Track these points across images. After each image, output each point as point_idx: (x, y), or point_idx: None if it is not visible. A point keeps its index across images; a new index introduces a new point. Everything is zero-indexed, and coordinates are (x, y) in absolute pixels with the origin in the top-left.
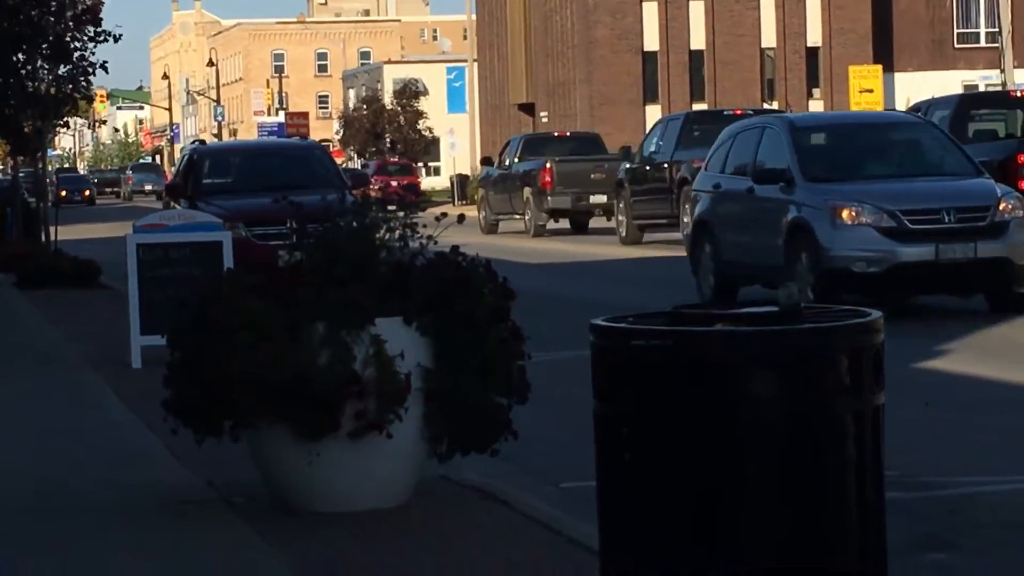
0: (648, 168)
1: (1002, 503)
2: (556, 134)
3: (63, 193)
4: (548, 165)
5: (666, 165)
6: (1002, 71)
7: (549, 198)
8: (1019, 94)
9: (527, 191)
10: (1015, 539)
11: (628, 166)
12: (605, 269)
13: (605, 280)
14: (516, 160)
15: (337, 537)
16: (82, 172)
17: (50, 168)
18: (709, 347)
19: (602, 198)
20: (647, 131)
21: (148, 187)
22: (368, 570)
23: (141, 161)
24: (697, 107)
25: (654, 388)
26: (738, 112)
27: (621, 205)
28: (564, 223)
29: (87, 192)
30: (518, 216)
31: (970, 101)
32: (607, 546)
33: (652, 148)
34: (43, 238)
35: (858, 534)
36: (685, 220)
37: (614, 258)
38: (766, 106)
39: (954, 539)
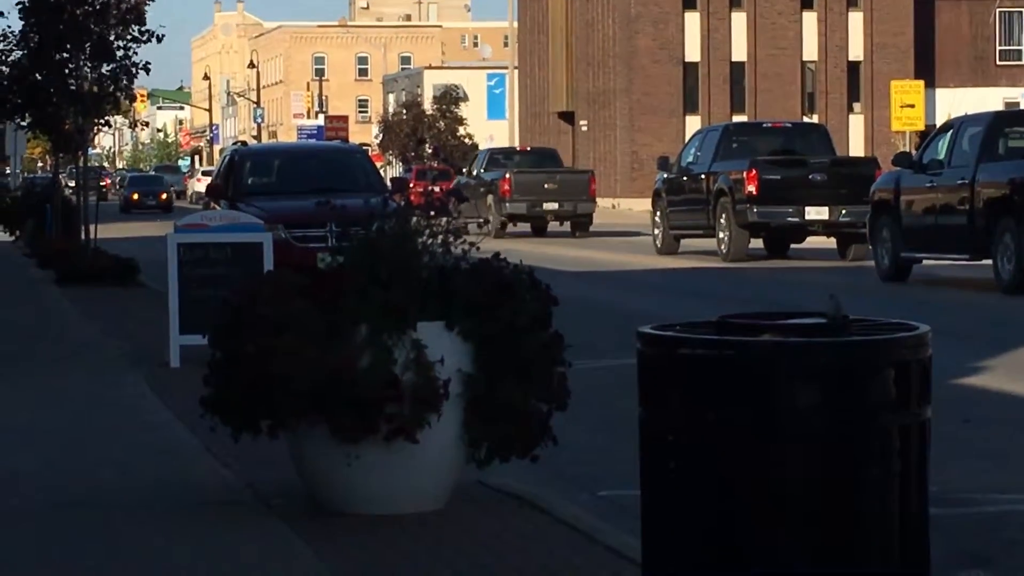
0: (685, 179)
1: None
2: (519, 148)
3: (135, 197)
4: (507, 175)
5: (703, 176)
6: None
7: (507, 204)
8: (771, 124)
9: (490, 198)
10: None
11: (665, 176)
12: (640, 278)
13: (645, 288)
14: (483, 170)
15: (375, 539)
16: (151, 172)
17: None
18: (755, 357)
19: (554, 205)
20: (685, 142)
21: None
22: (405, 573)
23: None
24: (737, 119)
25: (700, 396)
26: (777, 124)
27: (657, 215)
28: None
29: (163, 196)
30: (482, 220)
31: (1003, 119)
32: (650, 556)
33: (690, 159)
34: (83, 236)
35: (901, 549)
36: (721, 234)
37: (648, 268)
38: (806, 119)
39: (992, 556)
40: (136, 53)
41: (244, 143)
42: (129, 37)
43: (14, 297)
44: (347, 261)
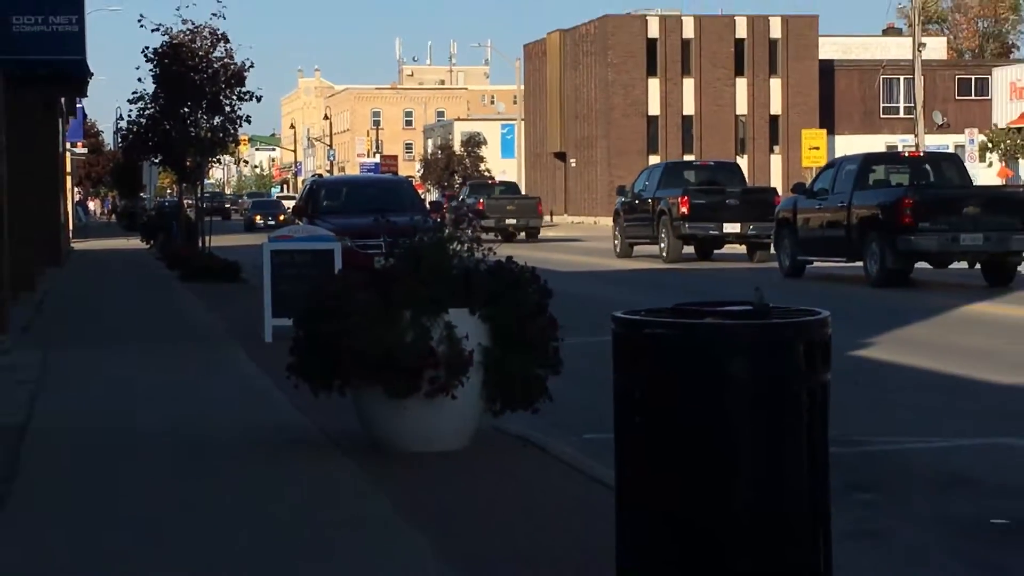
0: (637, 202)
1: (915, 458)
2: (489, 182)
3: (257, 219)
4: (480, 200)
5: (650, 200)
6: (916, 136)
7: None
8: (907, 153)
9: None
10: (922, 483)
11: (623, 200)
12: (610, 276)
13: (611, 282)
14: (466, 196)
15: (417, 470)
16: (273, 196)
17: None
18: (701, 335)
19: (512, 220)
20: (637, 175)
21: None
22: (440, 494)
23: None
24: (687, 158)
25: (660, 364)
26: (704, 163)
27: (617, 229)
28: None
29: (282, 217)
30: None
31: (871, 159)
32: (622, 484)
33: (641, 187)
34: (200, 244)
35: (810, 477)
36: (662, 243)
37: (613, 268)
38: (737, 158)
39: (877, 482)
40: (240, 108)
41: (320, 175)
42: (234, 96)
43: (150, 288)
44: (396, 263)
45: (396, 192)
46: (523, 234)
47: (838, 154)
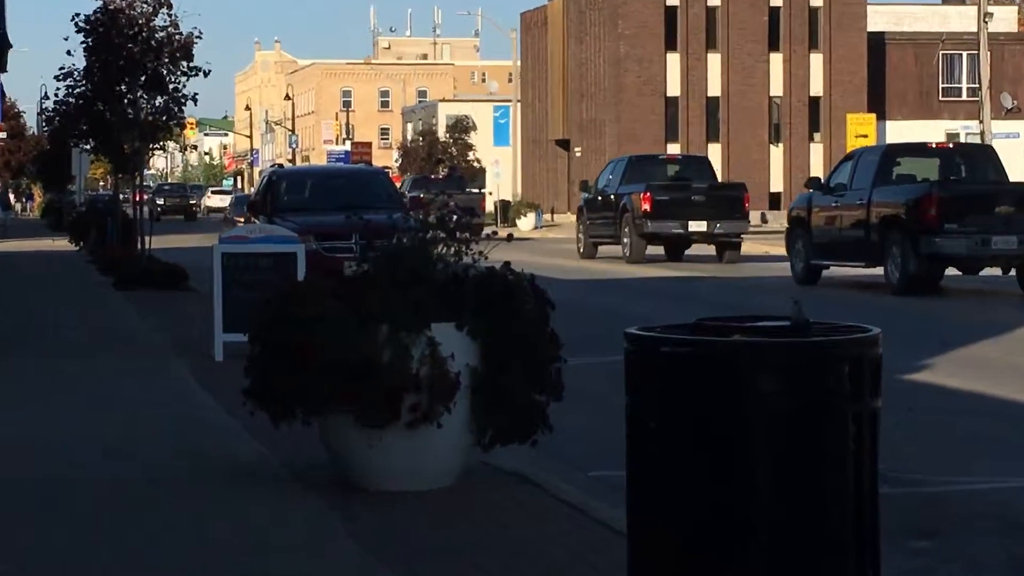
0: (600, 199)
1: (979, 499)
2: (432, 176)
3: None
4: (422, 195)
5: (613, 197)
6: (980, 122)
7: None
8: (934, 144)
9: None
10: (985, 529)
11: (586, 196)
12: (574, 281)
13: (572, 288)
14: (407, 189)
15: (393, 512)
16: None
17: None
18: (729, 355)
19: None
20: (603, 168)
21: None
22: (420, 540)
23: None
24: (712, 147)
25: (680, 389)
26: (671, 157)
27: (581, 227)
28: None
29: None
30: None
31: (894, 150)
32: (634, 528)
33: (604, 183)
34: (139, 245)
35: (855, 521)
36: (625, 240)
37: (571, 269)
38: (772, 148)
39: (937, 529)
40: (185, 86)
41: (280, 165)
42: (179, 72)
43: (79, 298)
44: (371, 269)
45: (370, 185)
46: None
47: (889, 141)
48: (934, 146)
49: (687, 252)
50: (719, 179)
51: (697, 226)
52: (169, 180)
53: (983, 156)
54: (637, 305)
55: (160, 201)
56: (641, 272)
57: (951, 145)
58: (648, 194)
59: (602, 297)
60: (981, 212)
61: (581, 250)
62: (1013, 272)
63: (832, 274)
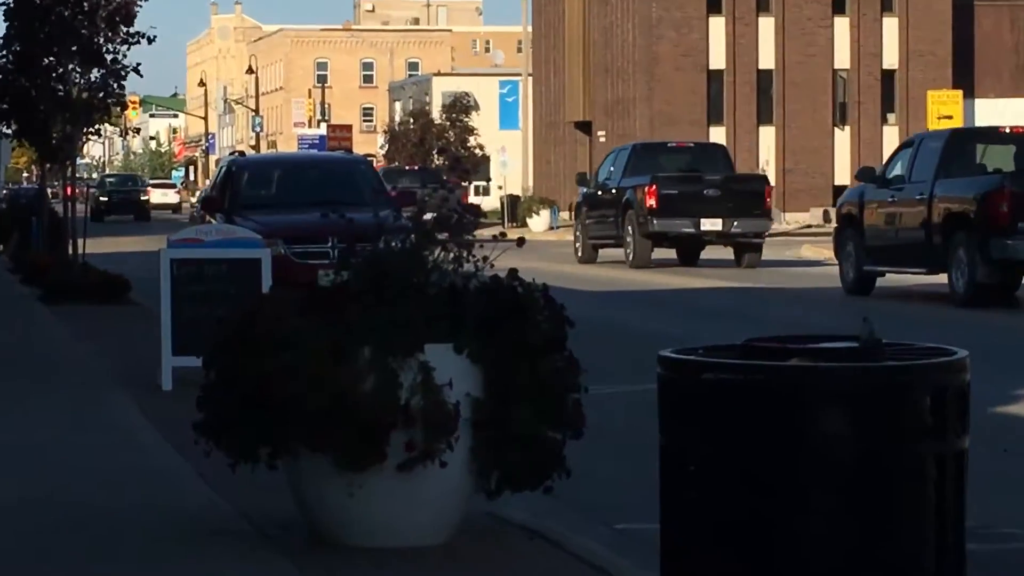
0: (600, 193)
1: None
2: (407, 167)
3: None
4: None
5: (614, 191)
6: None
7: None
8: (1008, 129)
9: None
10: None
11: (585, 191)
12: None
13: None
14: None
15: (380, 571)
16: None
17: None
18: (785, 382)
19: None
20: (604, 158)
21: None
22: None
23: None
24: (764, 129)
25: (725, 423)
26: (681, 144)
27: (579, 227)
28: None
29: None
30: None
31: (961, 135)
32: None
33: (605, 175)
34: (70, 250)
35: None
36: (628, 240)
37: (568, 273)
38: (837, 130)
39: None
40: (126, 56)
41: (241, 153)
42: (119, 39)
43: None
44: (351, 278)
45: (350, 177)
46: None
47: (978, 124)
48: (1008, 131)
49: (703, 256)
50: (735, 170)
51: (711, 224)
52: (110, 170)
53: None
54: (648, 319)
55: (104, 197)
56: (647, 279)
57: None
58: (654, 187)
59: (606, 310)
60: None
61: (579, 254)
62: None
63: (887, 283)
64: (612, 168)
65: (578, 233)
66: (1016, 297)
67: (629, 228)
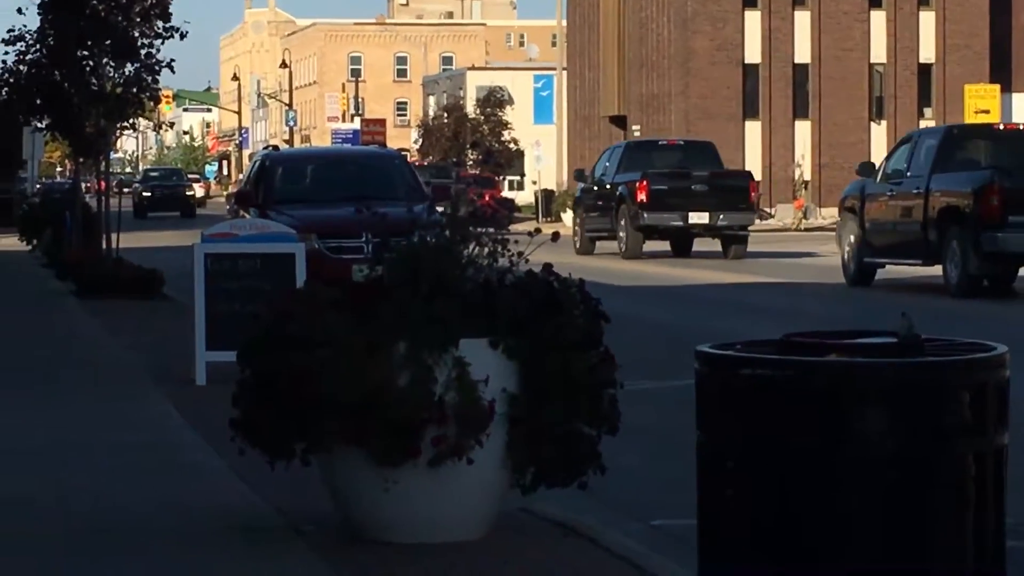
0: (596, 188)
1: None
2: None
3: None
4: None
5: (608, 186)
6: None
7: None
8: (1002, 127)
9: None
10: None
11: (583, 186)
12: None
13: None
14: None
15: (412, 571)
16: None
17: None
18: (822, 378)
19: None
20: (599, 155)
21: None
22: None
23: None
24: (800, 124)
25: (762, 420)
26: (671, 142)
27: (577, 220)
28: None
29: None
30: None
31: (956, 132)
32: None
33: (600, 171)
34: (104, 245)
35: None
36: (621, 234)
37: (565, 264)
38: (873, 125)
39: None
40: (160, 51)
41: (275, 148)
42: (153, 34)
43: (32, 311)
44: (386, 273)
45: (384, 172)
46: None
47: (1016, 119)
48: (1003, 127)
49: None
50: (724, 166)
51: (698, 218)
52: (144, 165)
53: None
54: (651, 309)
55: (147, 192)
56: (638, 269)
57: (1021, 127)
58: (644, 183)
59: (614, 302)
60: None
61: (577, 245)
62: None
63: (887, 274)
64: (607, 164)
65: (576, 226)
66: (1013, 289)
67: (622, 221)
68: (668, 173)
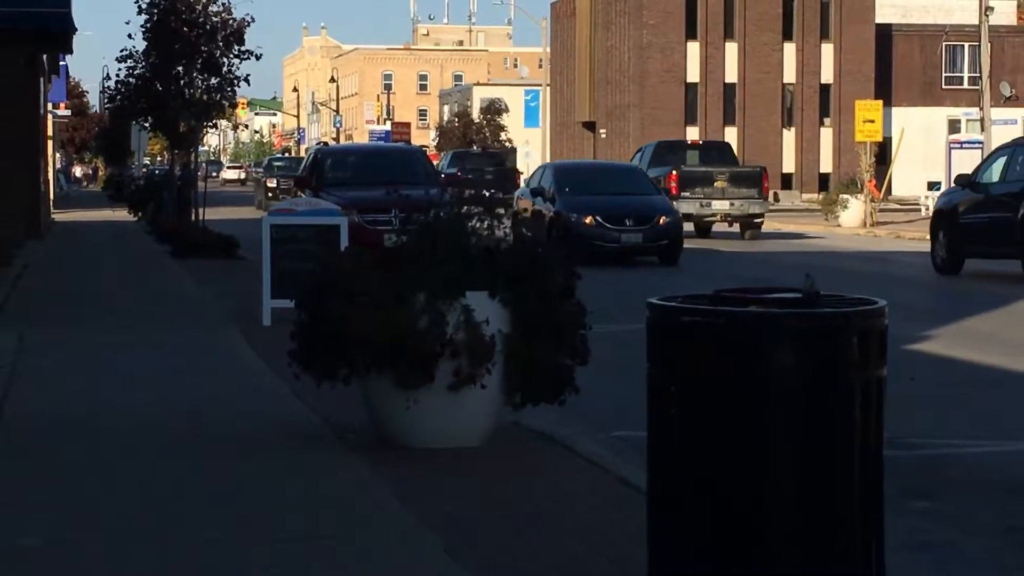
0: None
1: (974, 463)
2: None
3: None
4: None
5: None
6: (980, 109)
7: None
8: (690, 142)
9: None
10: (983, 491)
11: None
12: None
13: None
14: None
15: (430, 467)
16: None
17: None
18: (744, 324)
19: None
20: (634, 153)
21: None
22: (454, 495)
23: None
24: (727, 130)
25: (698, 355)
26: (695, 142)
27: None
28: None
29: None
30: None
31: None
32: (654, 484)
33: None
34: (192, 217)
35: (861, 480)
36: None
37: None
38: (785, 132)
39: (935, 490)
40: (238, 68)
41: (325, 143)
42: (232, 55)
43: (138, 264)
44: (410, 241)
45: (409, 163)
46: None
47: (894, 127)
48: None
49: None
50: (740, 163)
51: (719, 206)
52: (223, 157)
53: None
54: (662, 280)
55: (272, 183)
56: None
57: None
58: (675, 174)
59: (622, 272)
60: None
61: None
62: None
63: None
64: (639, 161)
65: None
66: None
67: None
68: (695, 167)
